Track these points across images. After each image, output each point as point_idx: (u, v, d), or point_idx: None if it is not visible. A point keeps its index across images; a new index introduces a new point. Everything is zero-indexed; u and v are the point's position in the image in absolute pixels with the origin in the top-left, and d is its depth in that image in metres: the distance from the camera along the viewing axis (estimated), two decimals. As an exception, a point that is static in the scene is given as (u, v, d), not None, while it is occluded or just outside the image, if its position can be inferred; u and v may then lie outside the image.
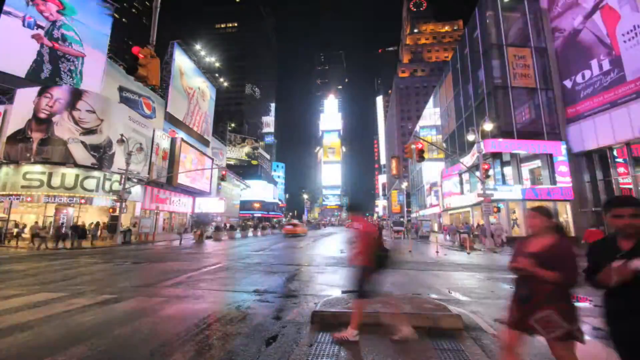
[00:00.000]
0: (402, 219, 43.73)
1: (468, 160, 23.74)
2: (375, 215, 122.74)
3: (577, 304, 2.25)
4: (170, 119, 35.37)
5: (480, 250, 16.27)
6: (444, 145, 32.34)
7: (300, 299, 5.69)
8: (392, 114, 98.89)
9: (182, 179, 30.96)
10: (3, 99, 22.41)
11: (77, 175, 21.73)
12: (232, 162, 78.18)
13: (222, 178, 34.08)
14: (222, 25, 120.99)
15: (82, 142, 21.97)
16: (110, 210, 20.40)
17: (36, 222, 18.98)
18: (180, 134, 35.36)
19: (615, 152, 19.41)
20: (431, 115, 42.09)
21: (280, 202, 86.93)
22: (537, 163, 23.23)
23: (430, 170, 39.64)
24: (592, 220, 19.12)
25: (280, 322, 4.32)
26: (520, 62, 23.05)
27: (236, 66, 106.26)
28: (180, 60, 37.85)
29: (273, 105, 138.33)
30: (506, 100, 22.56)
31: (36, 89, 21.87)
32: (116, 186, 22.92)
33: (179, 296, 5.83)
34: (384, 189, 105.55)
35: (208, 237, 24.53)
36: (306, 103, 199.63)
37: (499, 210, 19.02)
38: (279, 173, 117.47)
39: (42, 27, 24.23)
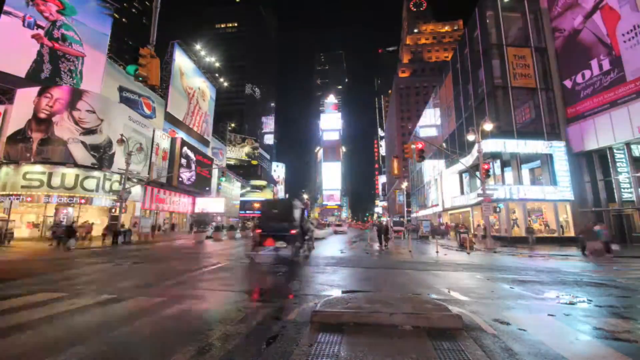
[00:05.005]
0: (402, 219, 43.72)
1: (468, 160, 23.73)
2: (375, 215, 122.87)
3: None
4: (170, 119, 35.38)
5: (480, 250, 16.27)
6: (444, 145, 32.35)
7: (300, 299, 5.69)
8: (392, 114, 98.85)
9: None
10: (3, 99, 22.41)
11: (77, 175, 21.73)
12: (232, 162, 78.17)
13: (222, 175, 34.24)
14: (222, 25, 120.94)
15: (82, 142, 21.97)
16: (111, 210, 20.40)
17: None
18: (180, 134, 35.38)
19: (615, 152, 19.42)
20: (431, 115, 42.09)
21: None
22: (537, 163, 23.23)
23: (431, 170, 39.65)
24: (592, 220, 19.12)
25: (280, 322, 4.32)
26: (520, 62, 23.04)
27: (236, 66, 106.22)
28: (180, 60, 37.85)
29: (273, 105, 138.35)
30: (506, 100, 22.55)
31: (36, 89, 21.88)
32: (116, 186, 22.93)
33: (179, 296, 5.83)
34: (384, 189, 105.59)
35: (208, 237, 24.53)
36: (306, 103, 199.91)
37: (499, 210, 19.02)
38: (279, 173, 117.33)
39: (42, 27, 24.23)
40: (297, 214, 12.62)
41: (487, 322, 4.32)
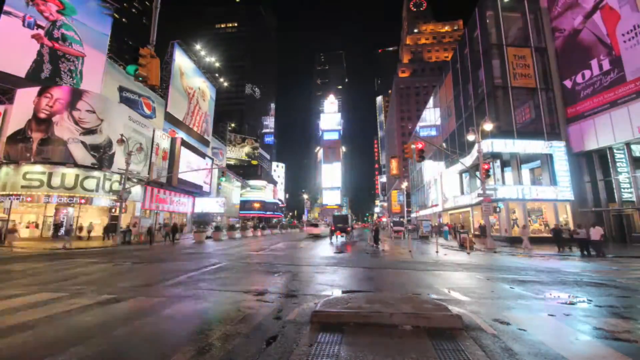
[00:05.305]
0: (401, 219, 43.73)
1: (468, 160, 23.73)
2: (375, 215, 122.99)
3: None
4: (170, 119, 35.38)
5: (481, 250, 16.27)
6: (444, 145, 32.38)
7: (300, 299, 5.69)
8: (392, 114, 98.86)
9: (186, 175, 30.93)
10: (3, 99, 22.41)
11: (77, 175, 21.73)
12: (232, 162, 78.20)
13: (222, 175, 34.42)
14: (222, 25, 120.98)
15: (82, 142, 21.97)
16: (111, 210, 20.40)
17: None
18: (180, 134, 35.37)
19: (615, 152, 19.42)
20: (431, 115, 42.12)
21: (280, 202, 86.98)
22: (537, 163, 23.24)
23: (431, 170, 39.67)
24: (592, 220, 19.13)
25: (280, 322, 4.32)
26: (520, 62, 23.04)
27: (236, 66, 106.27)
28: (180, 60, 37.85)
29: (273, 105, 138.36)
30: (506, 100, 22.56)
31: (36, 89, 21.88)
32: (116, 186, 22.93)
33: (179, 296, 5.83)
34: (383, 189, 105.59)
35: (208, 237, 24.53)
36: (306, 103, 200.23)
37: (499, 210, 19.01)
38: (279, 173, 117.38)
39: (42, 27, 24.23)
40: (349, 220, 26.75)
41: (487, 322, 4.32)
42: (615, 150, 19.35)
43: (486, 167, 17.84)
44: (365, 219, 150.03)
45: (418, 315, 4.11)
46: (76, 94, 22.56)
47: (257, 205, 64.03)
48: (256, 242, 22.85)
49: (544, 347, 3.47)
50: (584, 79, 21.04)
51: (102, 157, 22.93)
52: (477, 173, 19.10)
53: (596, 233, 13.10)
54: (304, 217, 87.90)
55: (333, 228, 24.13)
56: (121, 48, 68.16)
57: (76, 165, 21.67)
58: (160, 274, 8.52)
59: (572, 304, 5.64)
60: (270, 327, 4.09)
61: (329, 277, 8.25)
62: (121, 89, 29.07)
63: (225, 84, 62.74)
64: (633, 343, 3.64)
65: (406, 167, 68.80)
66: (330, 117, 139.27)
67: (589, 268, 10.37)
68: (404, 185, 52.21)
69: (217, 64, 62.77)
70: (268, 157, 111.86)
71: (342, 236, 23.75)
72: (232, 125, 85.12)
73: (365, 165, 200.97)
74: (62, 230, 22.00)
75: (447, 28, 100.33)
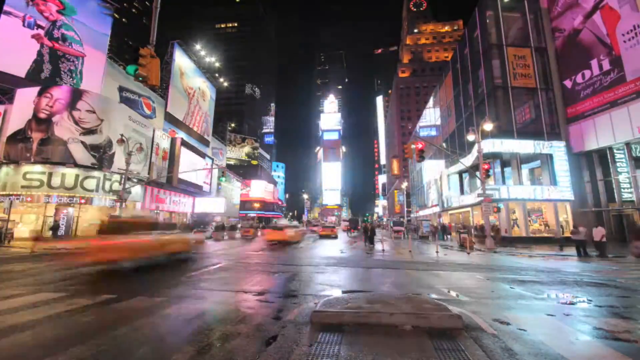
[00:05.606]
0: (401, 219, 43.73)
1: (468, 160, 23.73)
2: (376, 215, 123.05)
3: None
4: (170, 119, 35.37)
5: (481, 250, 16.27)
6: (444, 145, 32.37)
7: (300, 299, 5.69)
8: (392, 114, 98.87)
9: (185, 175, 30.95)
10: (3, 99, 22.40)
11: (77, 175, 21.71)
12: (232, 162, 78.20)
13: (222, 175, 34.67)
14: (222, 25, 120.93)
15: (82, 142, 21.95)
16: (110, 210, 20.38)
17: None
18: (180, 134, 35.36)
19: (615, 152, 19.43)
20: (431, 115, 42.12)
21: (280, 202, 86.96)
22: (537, 163, 23.24)
23: (431, 170, 39.65)
24: (592, 220, 19.12)
25: (280, 322, 4.32)
26: (520, 62, 23.04)
27: (236, 66, 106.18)
28: (180, 60, 37.83)
29: (273, 105, 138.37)
30: (506, 100, 22.56)
31: (36, 89, 21.86)
32: (116, 186, 22.91)
33: (179, 296, 5.83)
34: (384, 189, 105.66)
35: (208, 238, 24.53)
36: (306, 103, 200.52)
37: (499, 210, 19.02)
38: (279, 173, 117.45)
39: (42, 27, 24.21)
40: (359, 222, 45.17)
41: (487, 322, 4.32)
42: (615, 150, 19.36)
43: (486, 167, 17.85)
44: (365, 219, 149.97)
45: (418, 315, 4.11)
46: (76, 94, 22.54)
47: (257, 205, 64.03)
48: (256, 242, 22.85)
49: (544, 347, 3.47)
50: (584, 79, 21.04)
51: (102, 157, 22.91)
52: (477, 173, 19.09)
53: (598, 233, 13.06)
54: (304, 217, 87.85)
55: (349, 227, 38.88)
56: (121, 48, 68.20)
57: (76, 165, 21.65)
58: (160, 274, 8.52)
59: (572, 304, 5.64)
60: (270, 327, 4.09)
61: (328, 277, 8.25)
62: (121, 89, 29.04)
63: (225, 84, 62.61)
64: (633, 343, 3.65)
65: (406, 167, 68.80)
66: (330, 116, 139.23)
67: (589, 268, 10.37)
68: (404, 185, 52.24)
69: (217, 64, 62.71)
70: (268, 157, 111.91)
71: (352, 232, 35.54)
72: (232, 125, 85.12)
73: (365, 165, 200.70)
74: (62, 231, 21.99)
75: (447, 28, 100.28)
